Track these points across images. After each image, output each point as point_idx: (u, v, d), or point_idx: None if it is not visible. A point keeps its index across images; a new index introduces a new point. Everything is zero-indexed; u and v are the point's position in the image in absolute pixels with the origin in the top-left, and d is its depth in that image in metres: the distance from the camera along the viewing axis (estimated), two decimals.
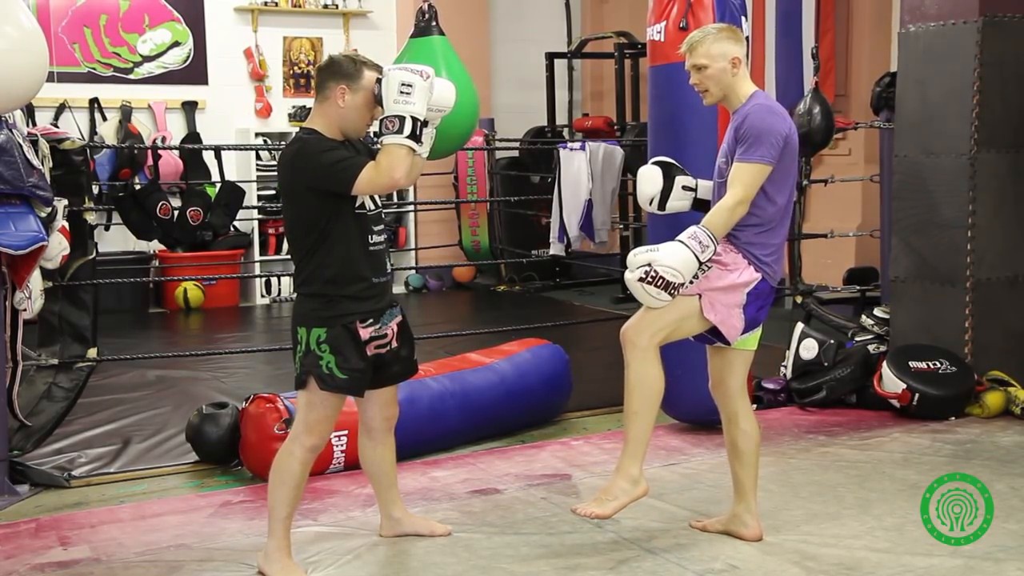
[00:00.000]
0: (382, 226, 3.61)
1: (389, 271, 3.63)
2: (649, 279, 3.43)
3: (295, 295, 3.60)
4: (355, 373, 3.48)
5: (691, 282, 3.51)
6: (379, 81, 3.42)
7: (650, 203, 3.90)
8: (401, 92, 3.34)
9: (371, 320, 3.51)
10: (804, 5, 7.36)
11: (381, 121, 3.38)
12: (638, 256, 3.47)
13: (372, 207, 3.54)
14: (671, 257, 3.44)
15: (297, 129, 9.67)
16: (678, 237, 3.50)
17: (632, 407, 3.57)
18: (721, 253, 3.58)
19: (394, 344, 3.62)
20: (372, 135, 3.72)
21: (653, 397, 3.57)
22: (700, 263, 3.48)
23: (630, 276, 3.47)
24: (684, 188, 3.88)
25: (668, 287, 3.43)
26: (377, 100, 3.42)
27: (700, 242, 3.47)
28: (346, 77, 3.43)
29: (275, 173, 9.50)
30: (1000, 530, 3.76)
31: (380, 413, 3.73)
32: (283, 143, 9.52)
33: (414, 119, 3.35)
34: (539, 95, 10.48)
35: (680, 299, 3.53)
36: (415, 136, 3.36)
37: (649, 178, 3.90)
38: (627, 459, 3.59)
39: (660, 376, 3.58)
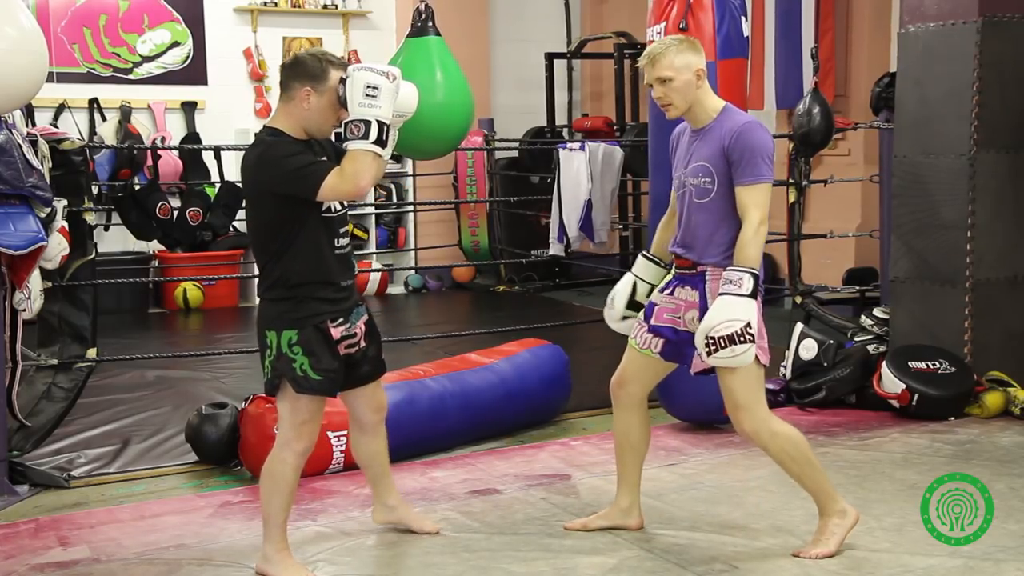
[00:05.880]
0: (347, 228, 3.54)
1: (356, 273, 3.58)
2: (716, 346, 3.39)
3: (260, 299, 3.50)
4: (329, 373, 3.44)
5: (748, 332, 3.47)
6: (343, 81, 3.31)
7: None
8: (367, 95, 3.24)
9: (341, 319, 3.47)
10: (804, 5, 7.37)
11: (345, 125, 3.28)
12: (697, 338, 3.44)
13: (338, 208, 3.47)
14: (717, 316, 3.40)
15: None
16: (719, 290, 3.47)
17: (794, 471, 3.60)
18: None
19: (363, 343, 3.59)
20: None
21: (802, 449, 3.58)
22: (748, 295, 3.41)
23: (706, 359, 3.45)
24: (648, 296, 3.84)
25: (734, 339, 3.37)
26: (341, 102, 3.32)
27: (731, 281, 3.43)
28: (312, 79, 3.34)
29: None
30: (1000, 530, 3.76)
31: (369, 407, 3.72)
32: None
33: (380, 123, 3.25)
34: (539, 95, 10.48)
35: (743, 367, 3.48)
36: (381, 141, 3.26)
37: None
38: (824, 503, 3.62)
39: (790, 429, 3.59)
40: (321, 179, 3.26)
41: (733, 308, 3.39)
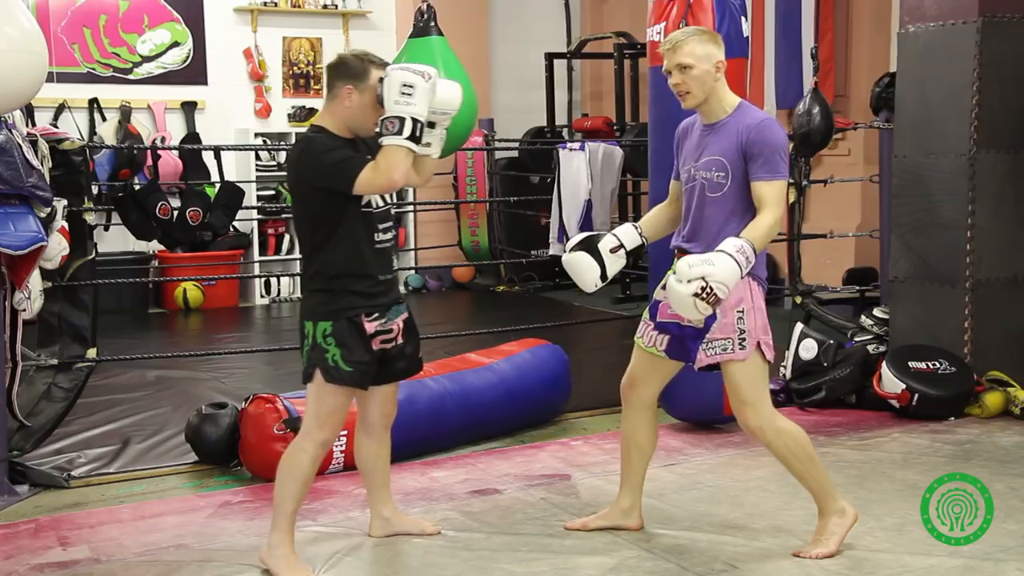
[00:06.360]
0: (390, 223, 3.63)
1: (396, 269, 3.65)
2: (704, 295, 3.31)
3: (303, 291, 3.64)
4: (360, 366, 3.51)
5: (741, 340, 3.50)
6: (381, 81, 3.43)
7: (595, 285, 3.73)
8: (402, 93, 3.36)
9: (376, 314, 3.54)
10: (804, 5, 7.37)
11: (381, 122, 3.40)
12: (693, 268, 3.32)
13: (380, 204, 3.56)
14: (725, 274, 3.31)
15: (296, 129, 9.80)
16: (726, 249, 3.36)
17: (796, 469, 3.60)
18: (744, 297, 3.52)
19: (399, 340, 3.64)
20: None
21: (805, 447, 3.58)
22: (742, 274, 3.38)
23: (682, 288, 3.32)
24: (612, 251, 3.70)
25: (716, 303, 3.33)
26: (379, 100, 3.44)
27: (747, 258, 3.38)
28: (353, 77, 3.46)
29: (274, 173, 9.66)
30: (1000, 530, 3.76)
31: (379, 410, 3.75)
32: (283, 143, 9.61)
33: (414, 120, 3.37)
34: (539, 95, 10.48)
35: (752, 361, 3.52)
36: (414, 137, 3.38)
37: (583, 266, 3.69)
38: (825, 502, 3.63)
39: (794, 426, 3.60)
40: (356, 173, 3.38)
41: (734, 279, 3.34)
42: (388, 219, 3.62)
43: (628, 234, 3.77)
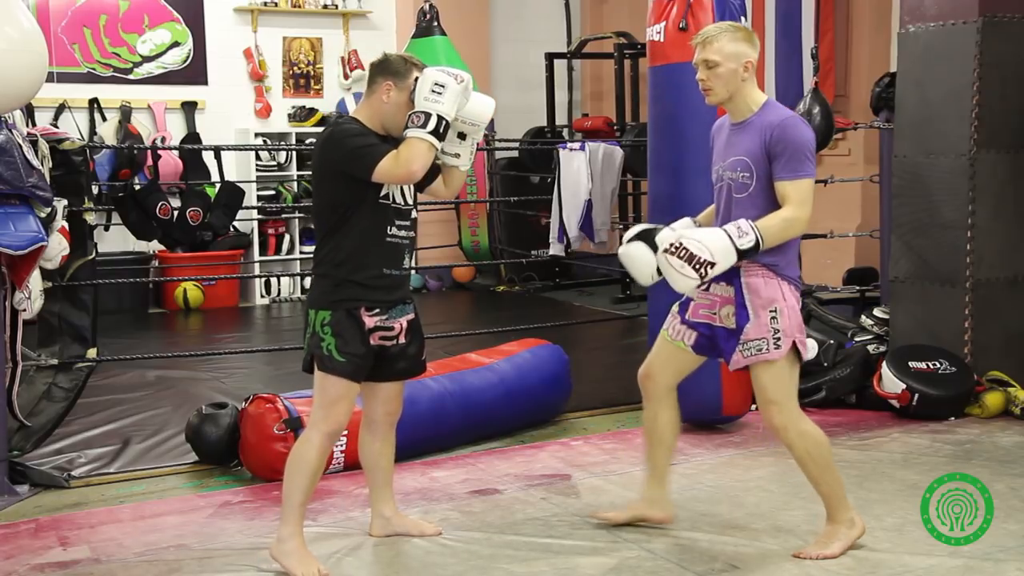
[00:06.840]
0: (407, 222, 3.64)
1: (407, 267, 3.66)
2: (672, 250, 3.36)
3: (312, 276, 3.67)
4: (354, 358, 3.52)
5: (775, 335, 3.51)
6: (417, 79, 3.50)
7: (652, 278, 3.70)
8: (433, 91, 3.45)
9: (377, 310, 3.56)
10: (804, 5, 7.36)
11: (409, 115, 3.47)
12: (664, 233, 3.44)
13: (401, 202, 3.59)
14: (704, 234, 3.37)
15: (296, 129, 9.79)
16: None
17: (813, 474, 3.59)
18: (776, 297, 3.53)
19: (402, 340, 3.65)
20: None
21: (825, 453, 3.58)
22: (737, 250, 3.38)
23: (660, 255, 3.42)
24: None
25: (692, 259, 3.34)
26: (412, 99, 3.51)
27: (739, 227, 3.39)
28: (394, 75, 3.55)
29: (274, 173, 9.66)
30: (1000, 530, 3.76)
31: (383, 408, 3.76)
32: (283, 143, 9.60)
33: (440, 117, 3.45)
34: (539, 95, 10.48)
35: (783, 361, 3.52)
36: (437, 133, 3.45)
37: (640, 258, 3.66)
38: (836, 510, 3.62)
39: (818, 431, 3.59)
40: (377, 160, 3.44)
41: (716, 244, 3.37)
42: (406, 218, 3.64)
43: (685, 228, 3.72)
